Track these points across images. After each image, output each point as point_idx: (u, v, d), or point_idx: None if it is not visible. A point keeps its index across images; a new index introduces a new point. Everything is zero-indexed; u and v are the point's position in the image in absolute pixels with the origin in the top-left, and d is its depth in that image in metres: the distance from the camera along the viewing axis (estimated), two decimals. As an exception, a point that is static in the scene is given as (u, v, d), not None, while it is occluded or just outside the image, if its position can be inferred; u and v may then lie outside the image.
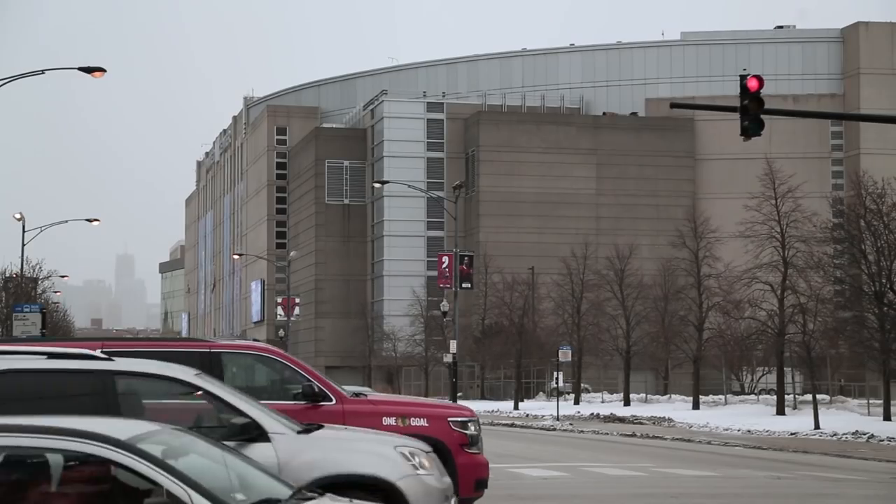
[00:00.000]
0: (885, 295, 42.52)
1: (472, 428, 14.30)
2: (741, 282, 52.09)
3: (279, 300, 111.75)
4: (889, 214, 43.25)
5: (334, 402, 13.83)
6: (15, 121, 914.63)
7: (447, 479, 11.55)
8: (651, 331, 63.14)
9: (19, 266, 52.19)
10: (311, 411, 13.40)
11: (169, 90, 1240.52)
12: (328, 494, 8.18)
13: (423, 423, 14.03)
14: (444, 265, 71.29)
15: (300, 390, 13.75)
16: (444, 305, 71.21)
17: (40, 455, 7.00)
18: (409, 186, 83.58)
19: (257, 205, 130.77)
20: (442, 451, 13.15)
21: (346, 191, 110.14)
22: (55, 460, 7.02)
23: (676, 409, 54.76)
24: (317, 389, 13.72)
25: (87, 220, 55.68)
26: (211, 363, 13.35)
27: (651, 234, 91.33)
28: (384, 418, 13.83)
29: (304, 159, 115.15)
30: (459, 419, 14.33)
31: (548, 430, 43.42)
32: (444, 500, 11.21)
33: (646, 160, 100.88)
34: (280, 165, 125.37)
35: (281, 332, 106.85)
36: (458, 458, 13.81)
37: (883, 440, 33.73)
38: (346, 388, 14.52)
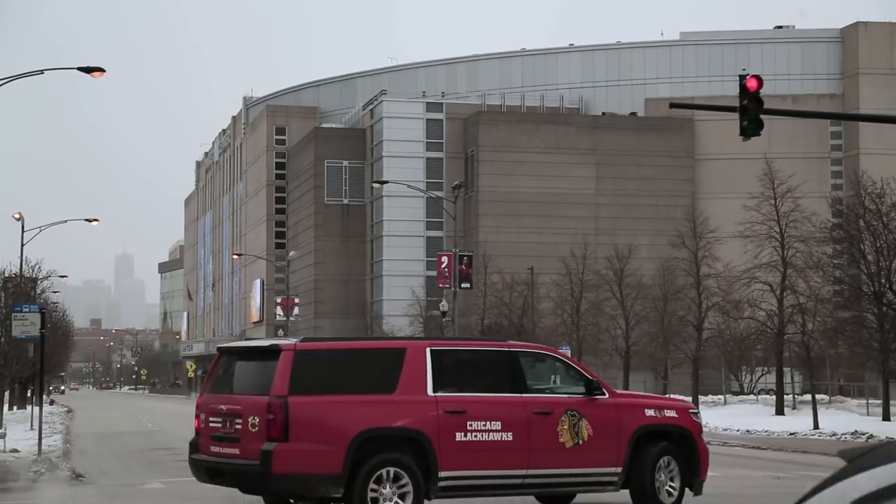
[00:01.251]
0: (885, 295, 42.51)
1: (700, 419, 16.77)
2: (740, 282, 52.09)
3: (278, 300, 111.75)
4: (888, 214, 43.24)
5: (607, 395, 15.89)
6: (16, 119, 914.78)
7: None
8: (650, 331, 63.09)
9: (18, 266, 52.22)
10: (591, 403, 15.60)
11: (169, 89, 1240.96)
12: None
13: (674, 414, 16.23)
14: (443, 265, 71.21)
15: (581, 384, 15.82)
16: (444, 305, 71.16)
17: None
18: (409, 186, 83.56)
19: (257, 205, 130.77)
20: (688, 439, 16.07)
21: (345, 191, 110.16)
22: None
23: (676, 409, 54.67)
24: (598, 385, 15.93)
25: (87, 220, 55.61)
26: (511, 361, 15.40)
27: (650, 234, 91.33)
28: (646, 410, 16.06)
29: (304, 159, 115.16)
30: (693, 411, 16.77)
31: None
32: None
33: (645, 160, 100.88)
34: (279, 165, 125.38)
35: (280, 332, 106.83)
36: (699, 444, 16.24)
37: (882, 440, 33.74)
38: None
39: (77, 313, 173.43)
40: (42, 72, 31.30)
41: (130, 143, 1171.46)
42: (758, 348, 57.41)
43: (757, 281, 49.57)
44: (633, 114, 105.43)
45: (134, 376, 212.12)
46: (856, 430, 36.16)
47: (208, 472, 15.26)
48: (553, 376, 16.26)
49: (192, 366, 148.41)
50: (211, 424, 15.11)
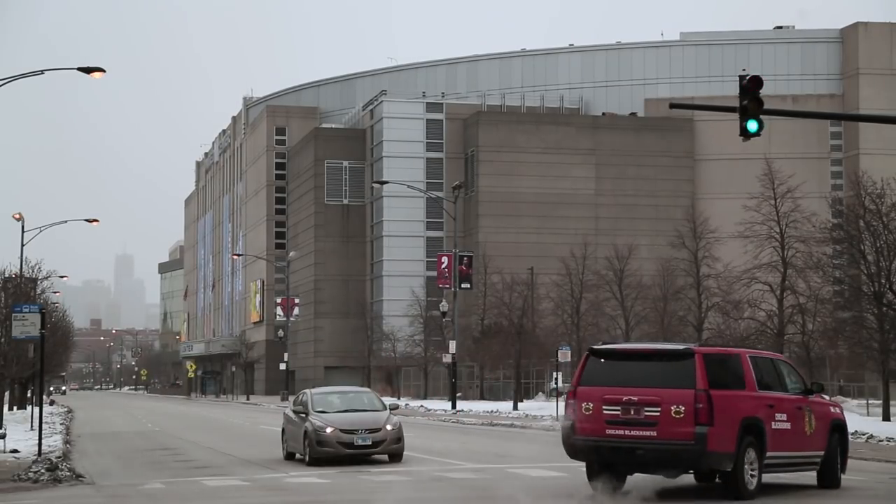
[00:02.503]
0: (885, 295, 42.47)
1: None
2: (740, 282, 52.04)
3: (278, 300, 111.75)
4: (888, 215, 43.19)
5: (813, 396, 20.37)
6: (16, 119, 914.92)
7: None
8: (650, 331, 63.02)
9: (18, 266, 52.20)
10: (811, 400, 20.13)
11: (170, 89, 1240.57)
12: None
13: (838, 411, 21.36)
14: (443, 265, 71.24)
15: (800, 385, 20.33)
16: (444, 306, 71.15)
17: None
18: (409, 187, 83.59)
19: (257, 205, 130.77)
20: (845, 431, 21.08)
21: (345, 191, 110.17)
22: None
23: (676, 409, 54.57)
24: (813, 387, 20.82)
25: (87, 220, 55.64)
26: (776, 366, 20.17)
27: (650, 235, 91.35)
28: (831, 407, 21.11)
29: (304, 159, 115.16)
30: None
31: (547, 430, 43.33)
32: None
33: (645, 160, 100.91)
34: (279, 166, 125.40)
35: (280, 333, 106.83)
36: (847, 434, 21.33)
37: (882, 440, 33.71)
38: None
39: (77, 313, 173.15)
40: (42, 72, 31.29)
41: (130, 143, 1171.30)
42: (758, 348, 57.35)
43: (757, 281, 49.54)
44: (633, 114, 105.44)
45: (134, 377, 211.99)
46: (856, 431, 36.08)
47: (612, 450, 18.33)
48: (782, 377, 20.09)
49: (192, 366, 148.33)
50: (605, 412, 18.32)
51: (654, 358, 18.88)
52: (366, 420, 26.92)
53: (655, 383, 18.14)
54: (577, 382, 18.97)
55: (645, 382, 18.25)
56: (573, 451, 18.93)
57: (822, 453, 20.09)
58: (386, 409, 27.99)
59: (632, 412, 18.01)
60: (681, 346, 18.93)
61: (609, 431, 18.23)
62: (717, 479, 18.98)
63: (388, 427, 26.70)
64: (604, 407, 18.29)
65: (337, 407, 27.80)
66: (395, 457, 26.92)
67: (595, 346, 19.58)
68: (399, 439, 26.82)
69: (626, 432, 18.05)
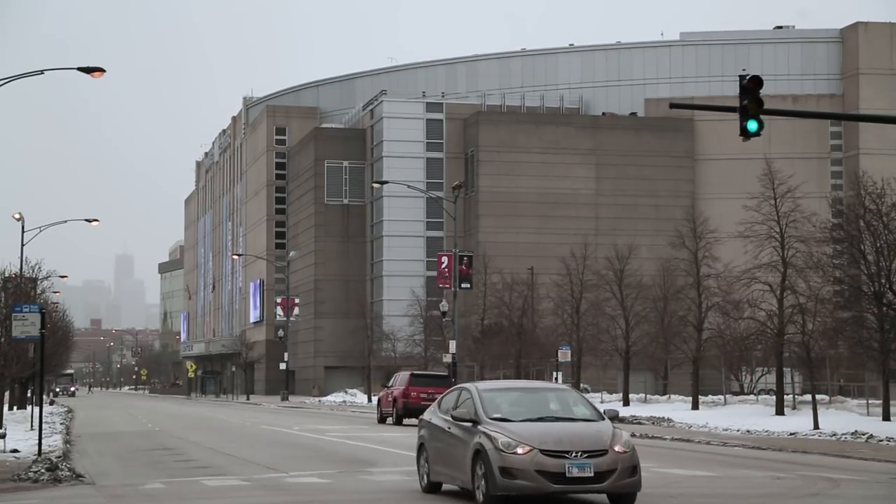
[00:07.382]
0: (885, 295, 42.43)
1: None
2: (740, 282, 51.96)
3: (278, 300, 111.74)
4: (888, 214, 43.14)
5: None
6: (17, 117, 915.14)
7: None
8: (650, 331, 62.99)
9: (18, 266, 52.16)
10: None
11: (171, 89, 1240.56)
12: None
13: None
14: (443, 265, 71.14)
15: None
16: (444, 305, 71.11)
17: None
18: (409, 187, 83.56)
19: (257, 205, 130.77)
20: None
21: (345, 191, 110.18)
22: None
23: (676, 409, 54.69)
24: None
25: (87, 220, 55.62)
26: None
27: (650, 235, 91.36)
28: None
29: (304, 159, 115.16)
30: None
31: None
32: None
33: (645, 160, 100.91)
34: (279, 166, 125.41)
35: (280, 333, 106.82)
36: None
37: (882, 440, 33.71)
38: None
39: (77, 313, 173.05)
40: (42, 72, 31.22)
41: (132, 141, 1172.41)
42: (758, 348, 57.28)
43: (757, 281, 49.46)
44: (633, 114, 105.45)
45: (134, 376, 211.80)
46: (856, 431, 36.13)
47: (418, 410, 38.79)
48: None
49: (191, 366, 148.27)
50: (421, 396, 46.19)
51: (433, 377, 50.42)
52: (582, 436, 16.96)
53: (436, 385, 46.84)
54: (409, 383, 47.71)
55: (433, 384, 47.38)
56: (409, 411, 46.08)
57: None
58: (604, 417, 17.89)
59: (430, 397, 40.29)
60: (444, 373, 54.59)
61: (422, 403, 42.36)
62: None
63: (617, 448, 16.76)
64: (421, 395, 46.10)
65: (523, 414, 17.77)
66: (627, 497, 17.03)
67: (417, 372, 51.11)
68: (634, 469, 16.91)
69: (426, 404, 37.40)
